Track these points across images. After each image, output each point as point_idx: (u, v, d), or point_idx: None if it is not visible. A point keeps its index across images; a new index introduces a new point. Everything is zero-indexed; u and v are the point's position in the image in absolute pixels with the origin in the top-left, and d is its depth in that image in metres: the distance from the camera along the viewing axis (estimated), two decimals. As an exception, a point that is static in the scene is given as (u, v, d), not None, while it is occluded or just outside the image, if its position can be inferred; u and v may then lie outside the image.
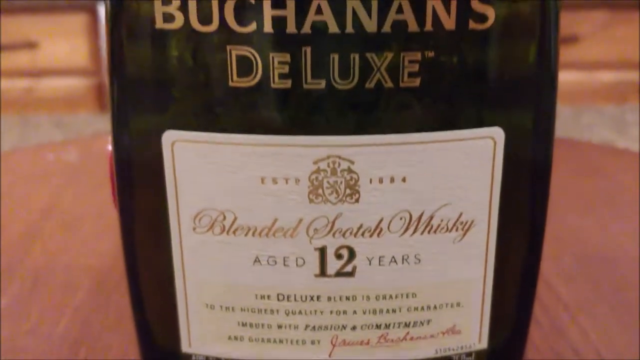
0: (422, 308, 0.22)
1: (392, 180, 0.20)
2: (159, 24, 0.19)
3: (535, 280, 0.24)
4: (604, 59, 1.53)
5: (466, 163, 0.20)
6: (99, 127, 1.47)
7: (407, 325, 0.22)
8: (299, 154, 0.20)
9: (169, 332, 0.23)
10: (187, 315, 0.23)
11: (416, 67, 0.19)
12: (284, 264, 0.21)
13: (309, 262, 0.21)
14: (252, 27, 0.19)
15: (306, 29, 0.19)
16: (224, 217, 0.21)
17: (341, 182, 0.20)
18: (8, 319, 0.31)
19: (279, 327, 0.22)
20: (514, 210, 0.22)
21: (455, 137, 0.20)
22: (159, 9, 0.19)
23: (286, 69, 0.19)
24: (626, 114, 1.50)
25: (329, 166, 0.20)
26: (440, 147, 0.20)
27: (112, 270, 0.35)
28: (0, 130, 1.44)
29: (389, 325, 0.22)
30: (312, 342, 0.22)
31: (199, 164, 0.20)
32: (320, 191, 0.20)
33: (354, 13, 0.18)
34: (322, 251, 0.21)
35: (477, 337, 0.23)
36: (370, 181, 0.20)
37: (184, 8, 0.19)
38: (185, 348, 0.23)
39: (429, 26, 0.19)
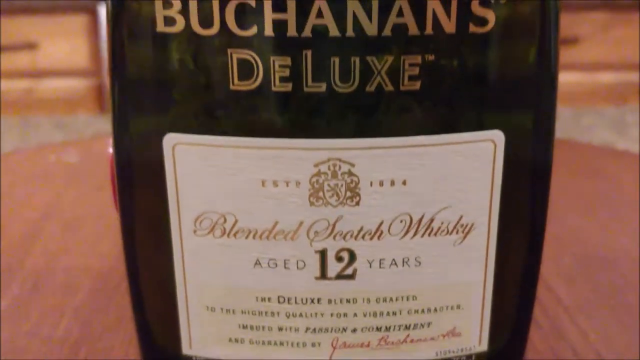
0: (423, 311, 0.22)
1: (392, 183, 0.20)
2: (160, 27, 0.19)
3: (536, 283, 0.24)
4: (604, 60, 1.53)
5: (466, 166, 0.20)
6: (99, 128, 1.47)
7: (407, 327, 0.22)
8: (299, 156, 0.20)
9: (170, 334, 0.23)
10: (187, 317, 0.23)
11: (416, 71, 0.19)
12: (285, 267, 0.21)
13: (309, 265, 0.21)
14: (253, 30, 0.19)
15: (307, 32, 0.19)
16: (225, 220, 0.21)
17: (342, 185, 0.20)
18: (8, 320, 0.31)
19: (280, 329, 0.22)
20: (514, 212, 0.22)
21: (455, 140, 0.20)
22: (159, 13, 0.19)
23: (287, 72, 0.19)
24: (626, 115, 1.50)
25: (329, 169, 0.20)
26: (440, 150, 0.20)
27: (113, 271, 0.35)
28: (0, 131, 1.44)
29: (390, 327, 0.22)
30: (313, 345, 0.22)
31: (200, 167, 0.20)
32: (320, 194, 0.20)
33: (355, 16, 0.18)
34: (323, 254, 0.21)
35: (477, 339, 0.23)
36: (371, 184, 0.20)
37: (184, 11, 0.19)
38: (186, 350, 0.23)
39: (429, 29, 0.19)
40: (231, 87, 0.19)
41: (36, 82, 1.56)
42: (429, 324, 0.22)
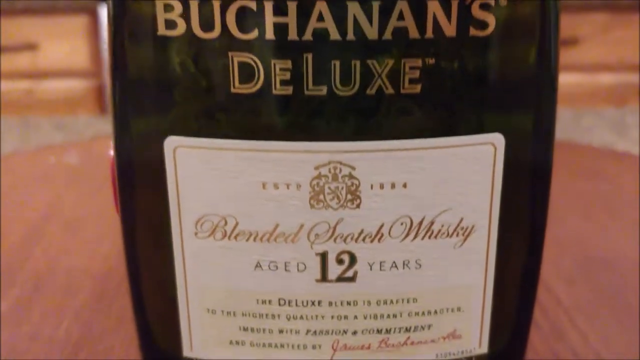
0: (423, 313, 0.22)
1: (393, 186, 0.20)
2: (161, 30, 0.19)
3: (536, 285, 0.24)
4: (604, 61, 1.53)
5: (467, 169, 0.20)
6: (99, 129, 1.47)
7: (407, 330, 0.22)
8: (300, 159, 0.20)
9: (171, 336, 0.23)
10: (188, 319, 0.23)
11: (417, 74, 0.19)
12: (285, 269, 0.21)
13: (310, 267, 0.21)
14: (254, 33, 0.19)
15: (307, 35, 0.19)
16: (226, 223, 0.21)
17: (342, 188, 0.20)
18: (9, 322, 0.31)
19: (280, 331, 0.22)
20: (514, 215, 0.22)
21: (455, 144, 0.20)
22: (160, 16, 0.19)
23: (288, 76, 0.19)
24: (626, 116, 1.50)
25: (330, 172, 0.20)
26: (440, 153, 0.20)
27: (113, 273, 0.35)
28: (1, 132, 1.44)
29: (390, 330, 0.22)
30: (314, 347, 0.22)
31: (201, 170, 0.20)
32: (321, 197, 0.20)
33: (355, 20, 0.19)
34: (323, 256, 0.21)
35: (477, 341, 0.23)
36: (371, 187, 0.20)
37: (185, 15, 0.19)
38: (186, 352, 0.23)
39: (429, 33, 0.19)
40: (232, 90, 0.19)
41: (36, 83, 1.56)
42: (429, 326, 0.22)
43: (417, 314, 0.22)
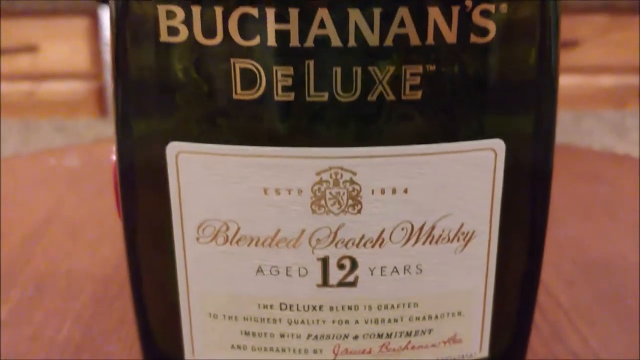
0: (424, 318, 0.22)
1: (393, 191, 0.20)
2: (164, 36, 0.19)
3: (536, 289, 0.24)
4: (604, 63, 1.53)
5: (467, 175, 0.21)
6: (99, 131, 1.47)
7: (408, 334, 0.22)
8: (301, 165, 0.20)
9: (172, 340, 0.23)
10: (190, 324, 0.23)
11: (418, 80, 0.19)
12: (287, 274, 0.21)
13: (311, 272, 0.21)
14: (256, 40, 0.19)
15: (309, 42, 0.19)
16: (228, 228, 0.21)
17: (343, 193, 0.20)
18: (10, 325, 0.31)
19: (282, 336, 0.22)
20: (515, 220, 0.22)
21: (456, 149, 0.20)
22: (163, 23, 0.19)
23: (289, 82, 0.19)
24: (626, 118, 1.50)
25: (331, 177, 0.20)
26: (441, 159, 0.20)
27: (114, 275, 0.35)
28: (1, 134, 1.44)
29: (391, 334, 0.22)
30: (315, 351, 0.22)
31: (203, 175, 0.21)
32: (322, 202, 0.21)
33: (357, 27, 0.19)
34: (325, 261, 0.21)
35: (477, 346, 0.23)
36: (372, 192, 0.20)
37: (188, 21, 0.19)
38: (188, 356, 0.23)
39: (430, 40, 0.19)
40: (234, 96, 0.20)
41: (37, 85, 1.56)
42: (430, 331, 0.22)
43: (417, 318, 0.22)
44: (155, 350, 0.24)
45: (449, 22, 0.19)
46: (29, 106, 1.56)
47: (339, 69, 0.19)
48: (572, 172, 0.49)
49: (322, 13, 0.18)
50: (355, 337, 0.22)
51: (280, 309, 0.22)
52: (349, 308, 0.22)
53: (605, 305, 0.33)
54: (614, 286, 0.34)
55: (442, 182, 0.21)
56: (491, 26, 0.19)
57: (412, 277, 0.22)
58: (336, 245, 0.21)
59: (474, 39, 0.19)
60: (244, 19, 0.19)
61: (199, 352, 0.23)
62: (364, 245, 0.21)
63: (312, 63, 0.19)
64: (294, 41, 0.19)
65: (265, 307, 0.22)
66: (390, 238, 0.21)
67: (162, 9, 0.19)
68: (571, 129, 1.44)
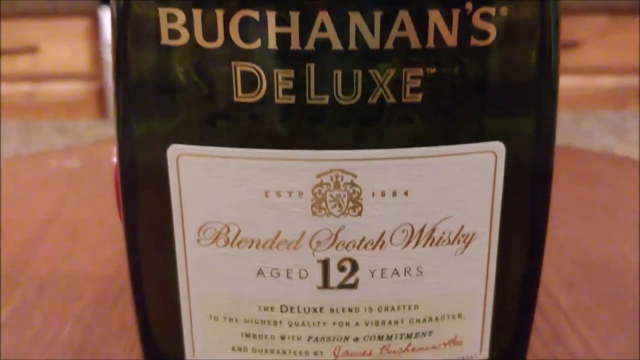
0: (424, 320, 0.22)
1: (394, 193, 0.21)
2: (165, 39, 0.19)
3: (536, 290, 0.24)
4: (604, 64, 1.53)
5: (467, 177, 0.21)
6: (100, 133, 1.48)
7: (409, 336, 0.22)
8: (302, 167, 0.20)
9: (173, 342, 0.23)
10: (191, 325, 0.23)
11: (418, 83, 0.19)
12: (287, 276, 0.21)
13: (312, 274, 0.21)
14: (257, 43, 0.19)
15: (310, 45, 0.19)
16: (228, 230, 0.21)
17: (344, 196, 0.20)
18: (11, 327, 0.31)
19: (282, 338, 0.22)
20: (515, 222, 0.22)
21: (456, 152, 0.20)
22: (164, 26, 0.19)
23: (290, 85, 0.19)
24: (626, 119, 1.50)
25: (332, 180, 0.20)
26: (441, 161, 0.20)
27: (115, 278, 0.35)
28: (1, 135, 1.44)
29: (391, 336, 0.22)
30: (315, 353, 0.22)
31: (204, 178, 0.21)
32: (323, 204, 0.21)
33: (357, 30, 0.19)
34: (325, 263, 0.21)
35: (478, 347, 0.23)
36: (373, 194, 0.21)
37: (189, 24, 0.19)
38: (189, 357, 0.23)
39: (431, 43, 0.19)
40: (235, 99, 0.20)
41: (37, 86, 1.56)
42: (430, 333, 0.23)
43: (418, 320, 0.22)
44: (155, 351, 0.24)
45: (449, 25, 0.19)
46: (29, 107, 1.56)
47: (339, 72, 0.19)
48: (572, 173, 0.49)
49: (323, 16, 0.19)
50: (356, 339, 0.22)
51: (281, 311, 0.22)
52: (350, 310, 0.22)
53: (605, 306, 0.33)
54: (614, 287, 0.34)
55: (442, 184, 0.21)
56: (491, 29, 0.19)
57: (412, 279, 0.22)
58: (337, 247, 0.21)
59: (474, 42, 0.19)
60: (244, 22, 0.19)
61: (199, 353, 0.23)
62: (365, 247, 0.21)
63: (312, 66, 0.19)
64: (295, 44, 0.19)
65: (265, 309, 0.22)
66: (390, 240, 0.21)
67: (163, 12, 0.19)
68: (571, 129, 1.44)
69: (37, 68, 1.54)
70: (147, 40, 0.20)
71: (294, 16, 0.19)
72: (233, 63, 0.19)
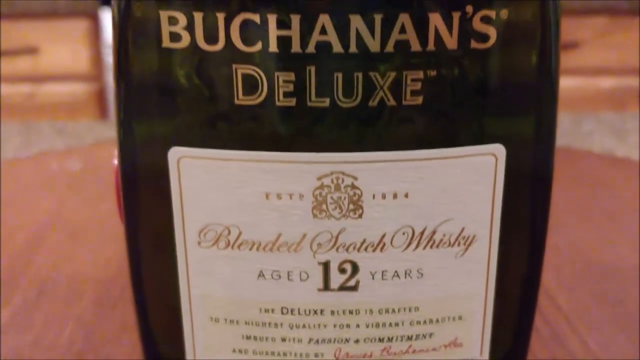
0: (425, 322, 0.22)
1: (395, 196, 0.21)
2: (166, 42, 0.19)
3: (536, 293, 0.24)
4: (604, 65, 1.53)
5: (468, 179, 0.21)
6: (100, 134, 1.47)
7: (409, 338, 0.22)
8: (303, 170, 0.20)
9: (174, 343, 0.23)
10: (191, 327, 0.23)
11: (418, 86, 0.19)
12: (288, 278, 0.21)
13: (312, 277, 0.21)
14: (258, 46, 0.19)
15: (310, 48, 0.19)
16: (229, 232, 0.21)
17: (345, 198, 0.21)
18: (12, 329, 0.31)
19: (283, 340, 0.22)
20: (515, 224, 0.22)
21: (457, 154, 0.20)
22: (165, 29, 0.19)
23: (291, 88, 0.19)
24: (626, 120, 1.50)
25: (332, 182, 0.20)
26: (442, 164, 0.20)
27: (116, 279, 0.35)
28: (1, 137, 1.44)
29: (392, 338, 0.22)
30: (316, 355, 0.23)
31: (205, 180, 0.21)
32: (324, 207, 0.21)
33: (358, 33, 0.19)
34: (326, 266, 0.21)
35: (478, 349, 0.23)
36: (374, 197, 0.21)
37: (190, 27, 0.19)
38: (190, 359, 0.23)
39: (431, 46, 0.19)
40: (236, 101, 0.20)
41: (37, 87, 1.56)
42: (431, 335, 0.23)
43: (418, 322, 0.22)
44: (156, 353, 0.24)
45: (449, 28, 0.19)
46: (29, 108, 1.56)
47: (340, 75, 0.19)
48: (572, 175, 0.49)
49: (324, 19, 0.19)
50: (357, 341, 0.22)
51: (282, 313, 0.22)
52: (350, 312, 0.22)
53: (605, 308, 0.33)
54: (614, 289, 0.34)
55: (443, 186, 0.21)
56: (492, 32, 0.19)
57: (413, 281, 0.22)
58: (337, 249, 0.21)
59: (474, 44, 0.19)
60: (245, 25, 0.19)
61: (200, 355, 0.23)
62: (365, 249, 0.21)
63: (313, 69, 0.19)
64: (296, 47, 0.19)
65: (266, 311, 0.22)
66: (391, 242, 0.21)
67: (164, 15, 0.19)
68: (571, 131, 1.44)
69: (37, 69, 1.54)
70: (148, 43, 0.20)
71: (295, 19, 0.19)
72: (234, 66, 0.19)
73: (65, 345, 0.30)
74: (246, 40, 0.19)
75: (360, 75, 0.19)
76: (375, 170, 0.20)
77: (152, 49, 0.20)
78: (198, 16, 0.19)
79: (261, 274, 0.22)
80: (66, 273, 0.36)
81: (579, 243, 0.39)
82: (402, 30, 0.19)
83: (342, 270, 0.21)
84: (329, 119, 0.20)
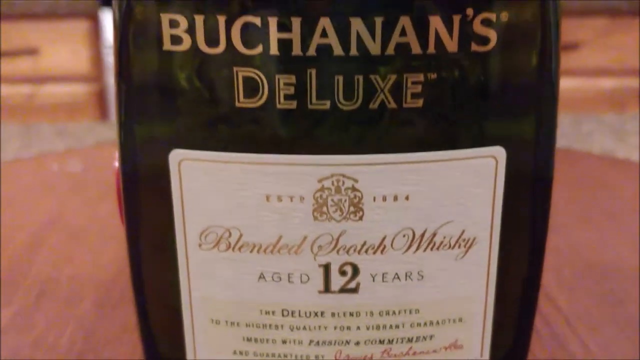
0: (425, 324, 0.22)
1: (395, 198, 0.21)
2: (167, 45, 0.19)
3: (537, 295, 0.24)
4: (604, 66, 1.53)
5: (468, 182, 0.21)
6: (101, 135, 1.47)
7: (410, 340, 0.23)
8: (303, 172, 0.20)
9: (175, 345, 0.23)
10: (192, 329, 0.23)
11: (419, 88, 0.19)
12: (289, 281, 0.21)
13: (313, 279, 0.21)
14: (259, 49, 0.19)
15: (311, 51, 0.19)
16: (230, 234, 0.21)
17: (345, 200, 0.21)
18: (12, 330, 0.31)
19: (284, 342, 0.22)
20: (515, 226, 0.22)
21: (457, 157, 0.20)
22: (166, 31, 0.19)
23: (292, 90, 0.19)
24: (626, 121, 1.50)
25: (333, 184, 0.20)
26: (442, 166, 0.20)
27: (117, 281, 0.35)
28: (1, 138, 1.44)
29: (392, 340, 0.22)
30: (316, 357, 0.23)
31: (206, 182, 0.21)
32: (324, 209, 0.21)
33: (358, 36, 0.19)
34: (326, 268, 0.21)
35: (478, 351, 0.23)
36: (374, 199, 0.21)
37: (191, 30, 0.19)
38: (190, 362, 0.23)
39: (431, 49, 0.19)
40: (237, 104, 0.20)
41: (37, 88, 1.56)
42: (431, 337, 0.23)
43: (419, 324, 0.22)
44: (157, 355, 0.25)
45: (450, 31, 0.19)
46: (29, 109, 1.56)
47: (340, 78, 0.19)
48: (572, 176, 0.49)
49: (324, 22, 0.19)
50: (357, 343, 0.22)
51: (282, 315, 0.22)
52: (351, 314, 0.22)
53: (605, 310, 0.33)
54: (614, 291, 0.34)
55: (443, 189, 0.21)
56: (492, 35, 0.19)
57: (413, 283, 0.22)
58: (338, 251, 0.21)
59: (475, 47, 0.19)
60: (246, 28, 0.19)
61: (200, 357, 0.23)
62: (366, 251, 0.21)
63: (314, 72, 0.19)
64: (296, 50, 0.19)
65: (267, 313, 0.22)
66: (391, 245, 0.21)
67: (165, 18, 0.19)
68: (571, 132, 1.44)
69: (37, 70, 1.54)
70: (150, 46, 0.20)
71: (296, 22, 0.19)
72: (235, 68, 0.19)
73: (66, 346, 0.30)
74: (247, 43, 0.19)
75: (360, 78, 0.19)
76: (376, 172, 0.20)
77: (153, 52, 0.20)
78: (199, 19, 0.19)
79: (262, 276, 0.22)
80: (67, 274, 0.36)
81: (579, 244, 0.39)
82: (403, 33, 0.19)
83: (343, 273, 0.21)
84: (329, 121, 0.20)
